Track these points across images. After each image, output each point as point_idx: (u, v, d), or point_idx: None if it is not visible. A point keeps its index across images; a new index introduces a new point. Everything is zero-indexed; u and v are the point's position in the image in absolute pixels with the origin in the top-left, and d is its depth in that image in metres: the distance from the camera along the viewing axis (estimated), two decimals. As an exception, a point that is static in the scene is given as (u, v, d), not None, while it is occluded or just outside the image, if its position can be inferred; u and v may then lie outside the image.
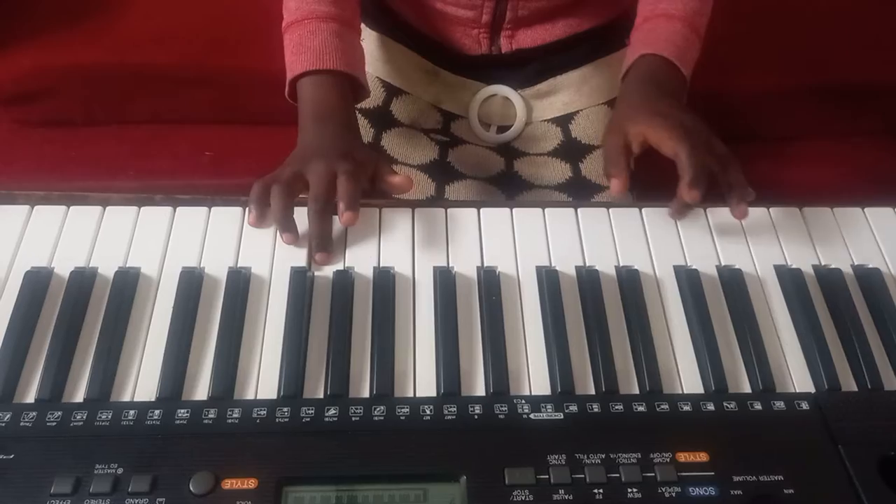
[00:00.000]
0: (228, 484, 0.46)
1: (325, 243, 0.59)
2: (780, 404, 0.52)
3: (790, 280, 0.59)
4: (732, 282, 0.59)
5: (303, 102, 0.70)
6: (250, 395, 0.51)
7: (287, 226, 0.59)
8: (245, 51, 1.10)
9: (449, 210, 0.63)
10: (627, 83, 0.72)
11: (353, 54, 0.72)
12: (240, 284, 0.56)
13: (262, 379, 0.52)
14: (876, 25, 1.16)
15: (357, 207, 0.59)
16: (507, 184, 0.84)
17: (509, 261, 0.60)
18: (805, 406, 0.52)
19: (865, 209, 0.66)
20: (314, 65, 0.69)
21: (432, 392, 0.52)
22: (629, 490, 0.47)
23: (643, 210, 0.64)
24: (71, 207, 0.61)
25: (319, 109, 0.68)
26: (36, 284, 0.55)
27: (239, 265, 0.58)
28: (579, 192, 0.83)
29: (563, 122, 0.86)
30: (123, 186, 1.06)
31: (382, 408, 0.50)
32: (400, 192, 0.65)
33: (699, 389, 0.53)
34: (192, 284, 0.56)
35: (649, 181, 0.82)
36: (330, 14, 0.71)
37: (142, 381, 0.51)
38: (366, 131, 0.85)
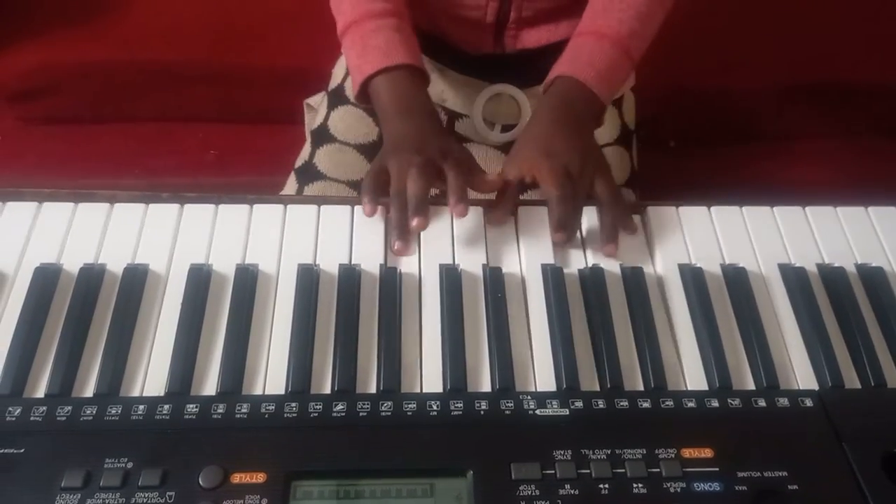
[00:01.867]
0: (237, 478, 0.46)
1: (421, 207, 0.60)
2: (783, 401, 0.52)
3: (794, 278, 0.60)
4: (736, 280, 0.60)
5: (381, 100, 0.70)
6: (258, 391, 0.52)
7: (403, 235, 0.60)
8: (251, 49, 1.10)
9: (455, 208, 0.63)
10: (541, 104, 0.72)
11: (414, 46, 0.72)
12: (248, 281, 0.57)
13: (270, 374, 0.52)
14: (876, 25, 1.16)
15: (467, 199, 0.61)
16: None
17: (514, 258, 0.60)
18: (809, 403, 0.52)
19: (869, 209, 0.66)
20: (383, 63, 0.69)
21: (439, 388, 0.52)
22: (634, 485, 0.47)
23: (647, 209, 0.65)
24: (79, 204, 0.61)
25: (402, 104, 0.69)
26: (45, 280, 0.55)
27: (247, 262, 0.58)
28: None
29: (567, 121, 0.87)
30: (128, 184, 1.06)
31: (389, 403, 0.50)
32: (492, 191, 0.65)
33: (703, 386, 0.54)
34: (200, 281, 0.56)
35: (653, 180, 0.83)
36: (386, 10, 0.72)
37: (151, 377, 0.52)
38: (370, 129, 0.86)
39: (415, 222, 0.59)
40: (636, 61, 0.74)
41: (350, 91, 0.88)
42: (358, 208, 0.62)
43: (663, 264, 0.61)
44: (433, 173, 0.62)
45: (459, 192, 0.61)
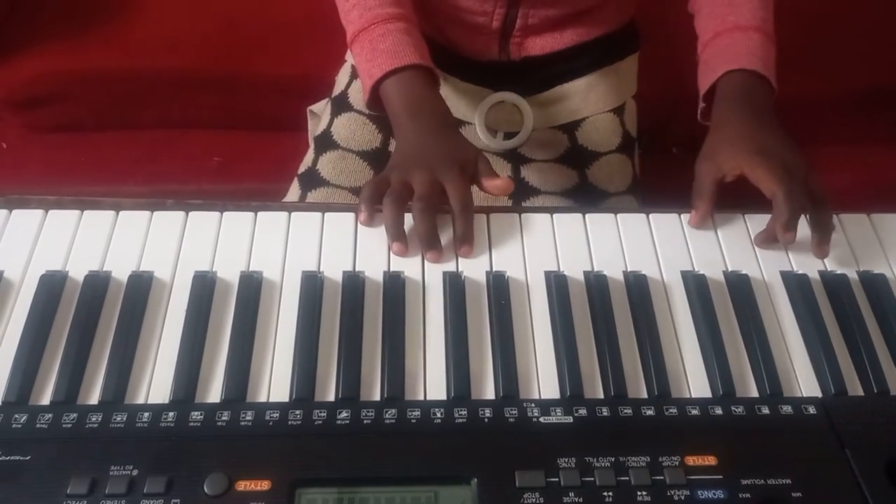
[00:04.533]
0: (242, 485, 0.46)
1: (433, 242, 0.60)
2: (787, 408, 0.52)
3: (796, 285, 0.60)
4: (739, 287, 0.60)
5: (391, 103, 0.70)
6: (262, 398, 0.52)
7: (397, 236, 0.60)
8: (253, 57, 1.11)
9: (458, 215, 0.64)
10: (720, 105, 0.70)
11: (423, 48, 0.72)
12: (252, 288, 0.57)
13: (275, 382, 0.53)
14: (888, 33, 1.16)
15: (469, 212, 0.61)
16: (514, 190, 0.84)
17: (518, 265, 0.61)
18: (812, 410, 0.53)
19: (871, 216, 0.67)
20: (392, 64, 0.69)
21: (442, 395, 0.53)
22: (638, 493, 0.47)
23: (650, 216, 0.65)
24: (85, 212, 0.61)
25: (411, 104, 0.68)
26: (51, 288, 0.55)
27: (251, 269, 0.58)
28: (586, 199, 0.84)
29: (570, 129, 0.87)
30: (133, 190, 1.07)
31: (394, 411, 0.50)
32: (500, 195, 0.65)
33: (707, 394, 0.54)
34: (204, 288, 0.56)
35: (656, 187, 0.83)
36: (394, 14, 0.72)
37: (155, 384, 0.52)
38: (373, 136, 0.86)
39: (395, 248, 0.60)
40: (776, 44, 0.73)
41: (353, 98, 0.88)
42: (360, 215, 0.62)
43: (667, 271, 0.61)
44: (436, 196, 0.61)
45: (463, 235, 0.60)
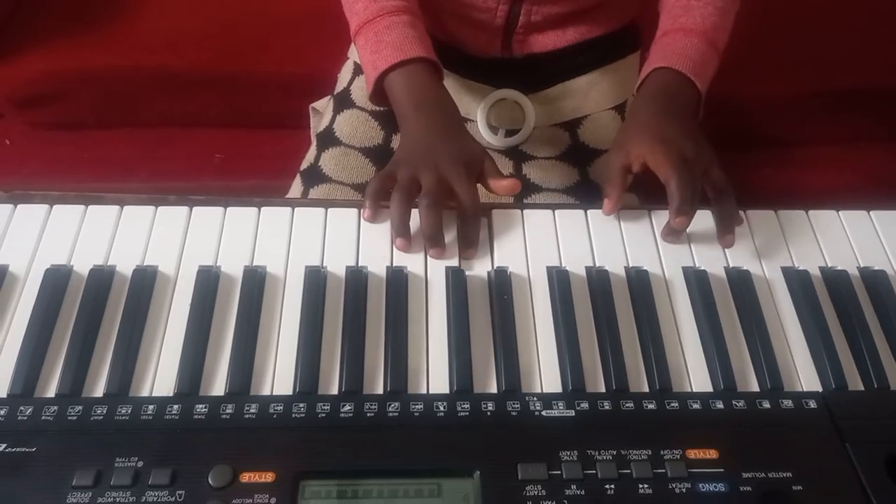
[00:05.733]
0: (246, 477, 0.46)
1: (437, 239, 0.60)
2: (788, 403, 0.53)
3: (797, 281, 0.60)
4: (740, 283, 0.60)
5: (396, 96, 0.70)
6: (266, 391, 0.52)
7: (403, 231, 0.60)
8: (255, 55, 1.11)
9: (461, 212, 0.64)
10: (639, 98, 0.73)
11: (428, 41, 0.72)
12: (255, 282, 0.57)
13: (278, 375, 0.53)
14: (884, 31, 1.17)
15: (478, 216, 0.61)
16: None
17: (520, 261, 0.61)
18: (813, 404, 0.53)
19: (871, 212, 0.67)
20: (397, 57, 0.69)
21: (445, 389, 0.53)
22: (640, 486, 0.47)
23: (652, 212, 0.65)
24: (89, 207, 0.62)
25: (416, 97, 0.69)
26: (56, 282, 0.56)
27: (254, 264, 0.59)
28: (587, 196, 0.84)
29: (572, 126, 0.87)
30: (135, 188, 1.07)
31: (396, 404, 0.51)
32: (507, 195, 0.65)
33: (708, 388, 0.54)
34: (208, 282, 0.57)
35: (657, 185, 0.83)
36: (399, 7, 0.72)
37: (160, 377, 0.52)
38: (375, 133, 0.87)
39: (399, 244, 0.60)
40: (721, 53, 0.74)
41: (356, 95, 0.88)
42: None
43: (668, 267, 0.61)
44: (443, 195, 0.62)
45: (471, 239, 0.61)
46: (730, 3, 0.75)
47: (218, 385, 0.52)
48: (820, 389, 0.55)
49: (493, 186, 0.65)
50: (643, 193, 0.84)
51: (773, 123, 1.17)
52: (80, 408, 0.49)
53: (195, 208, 0.62)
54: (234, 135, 1.13)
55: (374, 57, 0.70)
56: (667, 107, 0.69)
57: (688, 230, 0.64)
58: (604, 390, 0.53)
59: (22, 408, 0.49)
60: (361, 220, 0.63)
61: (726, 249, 0.63)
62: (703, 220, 0.64)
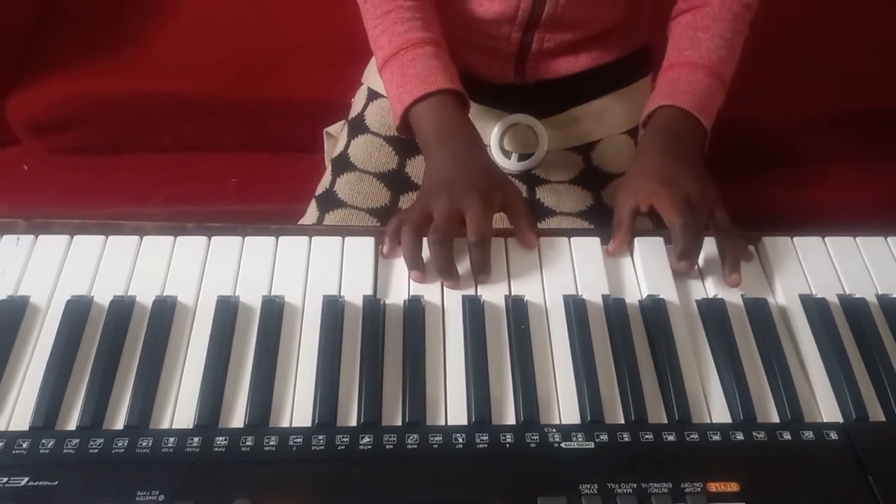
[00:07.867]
0: (266, 511, 0.47)
1: (448, 272, 0.60)
2: (808, 434, 0.52)
3: (815, 309, 0.60)
4: (758, 311, 0.60)
5: (421, 128, 0.70)
6: (285, 423, 0.52)
7: (416, 265, 0.61)
8: (269, 80, 1.13)
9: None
10: (646, 137, 0.72)
11: (453, 72, 0.72)
12: (274, 312, 0.57)
13: (297, 406, 0.53)
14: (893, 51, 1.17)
15: (485, 244, 0.61)
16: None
17: (537, 289, 0.61)
18: (834, 436, 0.52)
19: (888, 238, 0.67)
20: (422, 90, 0.69)
21: (463, 420, 0.53)
22: (661, 519, 0.47)
23: (667, 239, 0.65)
24: (109, 237, 0.62)
25: (440, 128, 0.69)
26: (77, 313, 0.56)
27: (273, 293, 0.59)
28: (601, 220, 0.84)
29: (585, 150, 0.88)
30: (151, 212, 1.08)
31: (416, 436, 0.51)
32: (528, 247, 0.64)
33: (728, 419, 0.54)
34: (227, 313, 0.57)
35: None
36: (423, 39, 0.72)
37: (180, 409, 0.53)
38: (390, 158, 0.87)
39: (413, 276, 0.61)
40: (727, 85, 0.74)
41: (370, 120, 0.89)
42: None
43: (683, 295, 0.61)
44: (453, 226, 0.62)
45: (478, 267, 0.61)
46: (738, 34, 0.75)
47: (237, 416, 0.52)
48: (841, 420, 0.54)
49: (518, 238, 0.65)
50: (656, 218, 0.83)
51: (788, 143, 1.17)
52: (102, 440, 0.49)
53: (213, 238, 0.63)
54: (249, 159, 1.14)
55: (400, 91, 0.71)
56: (673, 146, 0.69)
57: (705, 258, 0.64)
58: (622, 422, 0.53)
59: (44, 441, 0.49)
60: (378, 247, 0.63)
61: (707, 279, 0.63)
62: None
